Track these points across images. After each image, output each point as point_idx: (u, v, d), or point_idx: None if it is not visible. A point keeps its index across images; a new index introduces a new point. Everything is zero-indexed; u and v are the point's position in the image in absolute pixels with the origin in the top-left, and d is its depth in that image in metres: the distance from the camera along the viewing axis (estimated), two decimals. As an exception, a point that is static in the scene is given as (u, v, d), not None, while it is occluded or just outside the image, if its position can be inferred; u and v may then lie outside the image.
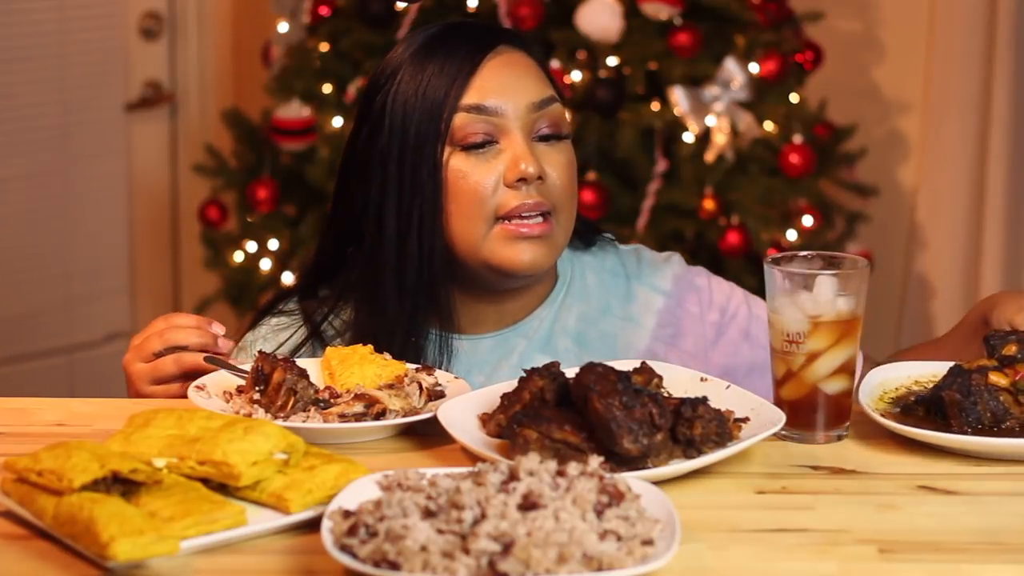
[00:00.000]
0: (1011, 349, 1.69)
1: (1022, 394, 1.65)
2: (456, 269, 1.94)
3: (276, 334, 2.00)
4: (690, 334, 2.01)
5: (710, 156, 3.60)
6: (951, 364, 1.69)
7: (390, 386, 1.76)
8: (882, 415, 1.66)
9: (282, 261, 3.86)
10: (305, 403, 1.71)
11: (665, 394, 1.67)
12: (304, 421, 1.69)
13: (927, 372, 1.77)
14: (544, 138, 1.93)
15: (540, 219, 1.90)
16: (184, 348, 1.86)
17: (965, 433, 1.63)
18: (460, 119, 1.90)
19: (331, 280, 2.01)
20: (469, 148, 1.90)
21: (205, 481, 1.50)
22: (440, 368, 1.92)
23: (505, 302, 1.98)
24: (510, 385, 1.68)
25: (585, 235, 2.05)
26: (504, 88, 1.91)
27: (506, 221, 1.90)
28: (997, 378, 1.66)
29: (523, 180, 1.89)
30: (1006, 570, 1.38)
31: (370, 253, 1.95)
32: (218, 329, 1.88)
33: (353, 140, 1.98)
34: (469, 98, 1.91)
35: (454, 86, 1.91)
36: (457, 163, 1.91)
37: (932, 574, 1.37)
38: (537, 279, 1.97)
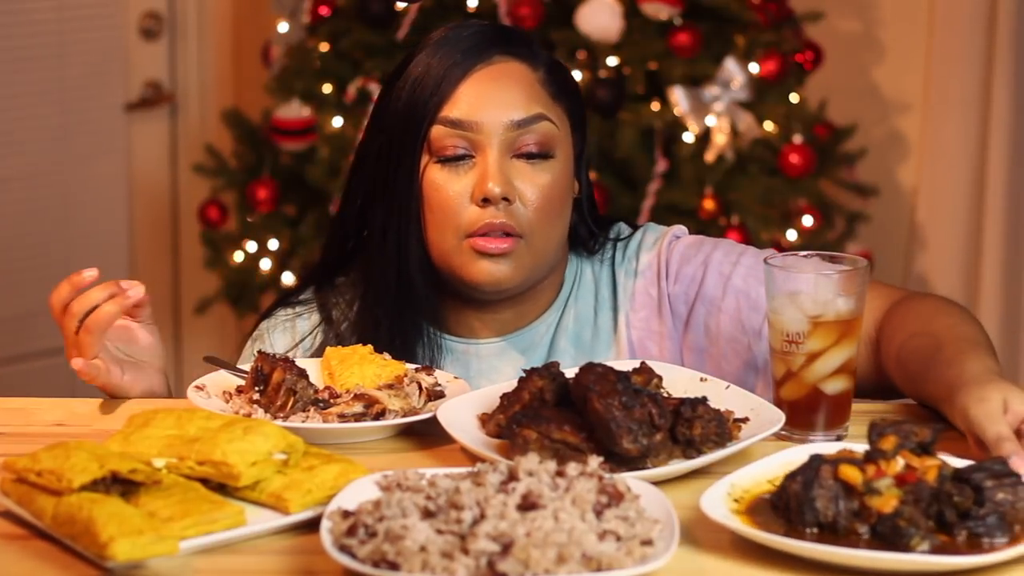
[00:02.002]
0: (889, 442, 1.44)
1: (873, 494, 1.40)
2: (438, 274, 1.93)
3: (291, 322, 2.01)
4: (659, 315, 1.97)
5: (710, 156, 3.60)
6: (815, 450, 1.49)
7: (390, 386, 1.76)
8: (745, 500, 1.47)
9: (282, 261, 3.86)
10: (305, 403, 1.71)
11: (665, 394, 1.67)
12: (304, 421, 1.69)
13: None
14: (526, 156, 1.89)
15: (505, 237, 1.87)
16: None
17: (801, 534, 1.40)
18: (437, 131, 1.89)
19: (346, 271, 2.01)
20: (444, 160, 1.89)
21: (204, 481, 1.50)
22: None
23: (501, 311, 1.97)
24: (510, 385, 1.68)
25: (589, 242, 2.02)
26: (484, 104, 1.88)
27: (473, 237, 1.88)
28: (849, 473, 1.41)
29: (488, 200, 1.87)
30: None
31: (362, 249, 1.97)
32: (88, 273, 1.79)
33: (362, 134, 2.00)
34: (447, 111, 1.88)
35: (435, 97, 1.88)
36: (432, 174, 1.89)
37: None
38: (520, 291, 1.94)
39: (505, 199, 1.87)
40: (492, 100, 1.89)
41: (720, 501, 1.45)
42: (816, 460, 1.43)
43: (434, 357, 1.96)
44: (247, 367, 1.79)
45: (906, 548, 1.37)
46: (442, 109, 1.89)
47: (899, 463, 1.42)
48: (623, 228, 2.05)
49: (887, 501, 1.39)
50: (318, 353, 1.95)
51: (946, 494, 1.40)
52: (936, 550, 1.37)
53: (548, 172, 1.90)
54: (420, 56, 1.92)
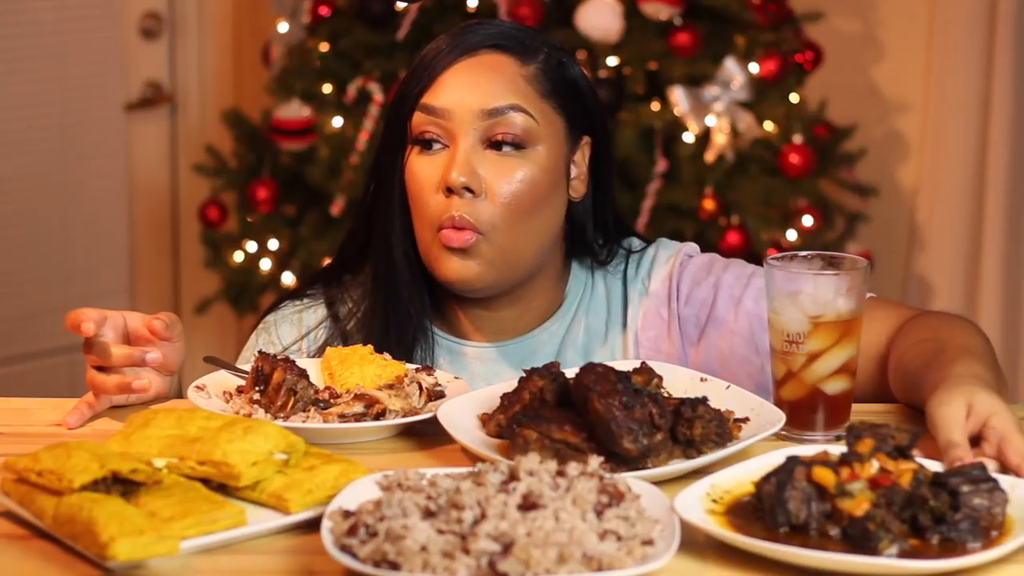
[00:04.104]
0: (865, 445, 1.43)
1: (845, 497, 1.39)
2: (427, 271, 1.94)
3: (298, 315, 2.01)
4: (669, 336, 1.97)
5: (710, 156, 3.60)
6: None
7: (390, 386, 1.76)
8: (725, 501, 1.47)
9: (282, 261, 3.86)
10: (305, 403, 1.71)
11: (665, 394, 1.67)
12: (304, 421, 1.69)
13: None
14: (497, 144, 1.88)
15: (463, 230, 1.86)
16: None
17: (775, 535, 1.40)
18: (416, 118, 1.90)
19: (357, 269, 2.02)
20: (421, 148, 1.89)
21: (205, 481, 1.50)
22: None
23: (496, 311, 1.96)
24: (510, 385, 1.68)
25: (600, 252, 2.01)
26: (459, 91, 1.88)
27: (441, 230, 1.88)
28: (822, 475, 1.41)
29: (450, 189, 1.86)
30: (1007, 569, 1.38)
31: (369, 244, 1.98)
32: (86, 327, 1.77)
33: None
34: (426, 97, 1.89)
35: (419, 86, 1.90)
36: (412, 162, 1.91)
37: (934, 571, 1.37)
38: (502, 292, 1.93)
39: (469, 190, 1.86)
40: (467, 88, 1.88)
41: (696, 502, 1.45)
42: (791, 461, 1.43)
43: (431, 356, 1.96)
44: (247, 367, 1.79)
45: (874, 551, 1.37)
46: (423, 97, 1.90)
47: (874, 466, 1.42)
48: (634, 242, 2.04)
49: (858, 504, 1.39)
50: (323, 349, 1.96)
51: (921, 498, 1.40)
52: (905, 554, 1.37)
53: (520, 165, 1.88)
54: (419, 57, 1.94)
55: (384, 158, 1.94)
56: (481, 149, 1.88)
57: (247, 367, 1.79)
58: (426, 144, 1.89)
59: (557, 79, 1.93)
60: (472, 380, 1.93)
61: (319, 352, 1.95)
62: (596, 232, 2.01)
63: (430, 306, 1.97)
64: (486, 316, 1.97)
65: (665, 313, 1.97)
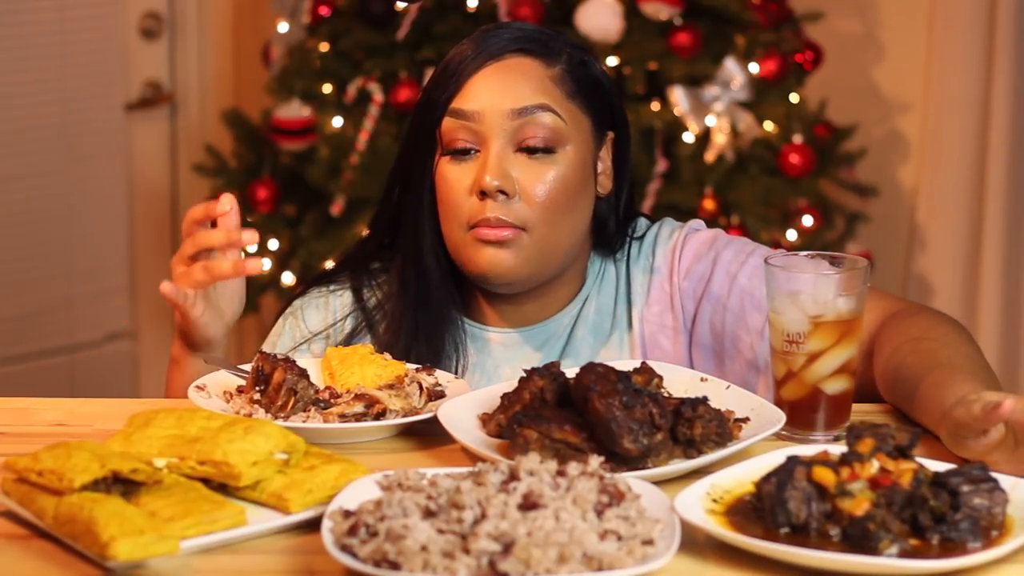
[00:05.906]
0: (865, 445, 1.42)
1: (846, 497, 1.39)
2: (455, 266, 1.96)
3: (324, 299, 2.03)
4: (672, 310, 1.98)
5: (710, 156, 3.60)
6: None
7: (390, 386, 1.76)
8: (725, 501, 1.47)
9: (282, 261, 3.86)
10: (305, 403, 1.72)
11: (665, 394, 1.67)
12: (304, 421, 1.69)
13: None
14: (528, 150, 1.91)
15: (504, 228, 1.89)
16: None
17: (775, 535, 1.40)
18: (446, 123, 1.92)
19: (383, 258, 2.03)
20: (452, 154, 1.92)
21: (205, 481, 1.50)
22: (459, 359, 1.96)
23: (521, 305, 1.99)
24: (510, 385, 1.68)
25: (613, 242, 2.02)
26: (488, 94, 1.90)
27: (475, 228, 1.90)
28: (822, 475, 1.40)
29: (485, 193, 1.89)
30: (1007, 569, 1.38)
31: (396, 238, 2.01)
32: (225, 205, 1.84)
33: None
34: (456, 102, 1.91)
35: (447, 92, 1.92)
36: (442, 168, 1.93)
37: (934, 571, 1.37)
38: (533, 286, 1.95)
39: (503, 192, 1.89)
40: (496, 91, 1.91)
41: (696, 501, 1.45)
42: (792, 461, 1.43)
43: (463, 345, 1.98)
44: (247, 367, 1.79)
45: (874, 551, 1.37)
46: (452, 102, 1.92)
47: (874, 466, 1.42)
48: (641, 223, 2.06)
49: (858, 504, 1.39)
50: (349, 339, 1.99)
51: (921, 498, 1.40)
52: (905, 554, 1.37)
53: (552, 167, 1.91)
54: (443, 62, 1.96)
55: (411, 164, 1.96)
56: (512, 153, 1.90)
57: (247, 367, 1.79)
58: (459, 153, 1.91)
59: (581, 79, 1.95)
60: (496, 365, 1.98)
61: (347, 342, 1.98)
62: (616, 222, 2.02)
63: (459, 299, 2.00)
64: (511, 309, 2.00)
65: (668, 287, 1.99)
